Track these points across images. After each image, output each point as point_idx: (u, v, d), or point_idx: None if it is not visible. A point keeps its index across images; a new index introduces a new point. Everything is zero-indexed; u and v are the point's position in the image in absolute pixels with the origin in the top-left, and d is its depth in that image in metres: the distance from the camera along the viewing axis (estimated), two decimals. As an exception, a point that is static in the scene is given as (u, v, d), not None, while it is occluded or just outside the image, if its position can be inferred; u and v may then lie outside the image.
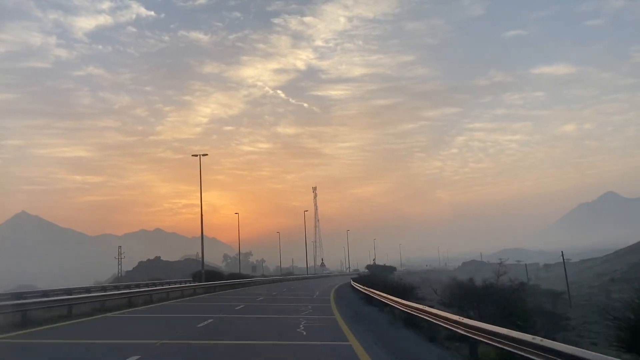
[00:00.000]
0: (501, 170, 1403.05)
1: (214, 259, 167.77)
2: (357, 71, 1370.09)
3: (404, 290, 26.23)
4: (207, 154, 50.03)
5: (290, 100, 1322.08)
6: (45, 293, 27.20)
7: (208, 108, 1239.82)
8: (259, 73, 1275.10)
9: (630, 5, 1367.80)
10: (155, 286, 36.87)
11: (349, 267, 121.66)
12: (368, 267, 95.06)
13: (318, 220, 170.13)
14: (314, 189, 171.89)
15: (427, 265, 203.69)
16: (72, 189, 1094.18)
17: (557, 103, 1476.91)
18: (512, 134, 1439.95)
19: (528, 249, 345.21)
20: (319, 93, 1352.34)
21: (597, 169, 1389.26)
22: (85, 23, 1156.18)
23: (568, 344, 8.10)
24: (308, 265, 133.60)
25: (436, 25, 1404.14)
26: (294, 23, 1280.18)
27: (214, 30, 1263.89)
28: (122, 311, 22.09)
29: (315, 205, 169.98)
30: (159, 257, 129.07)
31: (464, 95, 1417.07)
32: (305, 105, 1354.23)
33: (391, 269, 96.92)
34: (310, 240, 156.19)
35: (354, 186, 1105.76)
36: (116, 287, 38.20)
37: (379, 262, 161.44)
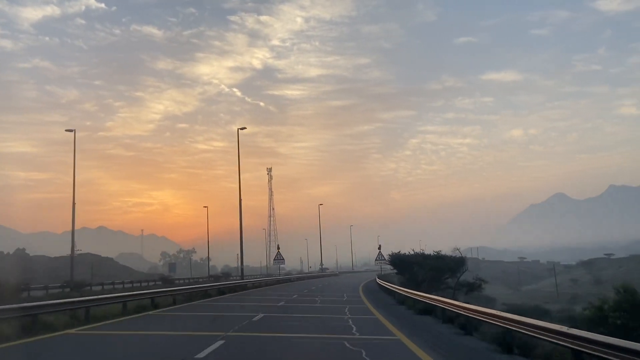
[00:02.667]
0: (452, 173, 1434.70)
1: (155, 258, 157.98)
2: (314, 72, 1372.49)
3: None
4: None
5: (247, 99, 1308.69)
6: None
7: (161, 105, 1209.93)
8: (214, 70, 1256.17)
9: (573, 17, 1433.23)
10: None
11: (322, 266, 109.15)
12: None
13: (273, 209, 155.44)
14: (269, 170, 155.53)
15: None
16: (14, 186, 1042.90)
17: (504, 108, 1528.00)
18: (463, 137, 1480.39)
19: (490, 247, 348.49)
20: (275, 92, 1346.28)
21: (543, 172, 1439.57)
22: (32, 13, 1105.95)
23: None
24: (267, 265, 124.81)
25: (391, 29, 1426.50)
26: (250, 21, 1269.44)
27: (167, 25, 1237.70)
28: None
29: (270, 189, 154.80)
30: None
31: (417, 98, 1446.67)
32: (262, 104, 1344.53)
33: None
34: (268, 231, 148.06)
35: (310, 186, 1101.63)
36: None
37: (331, 262, 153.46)
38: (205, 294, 30.75)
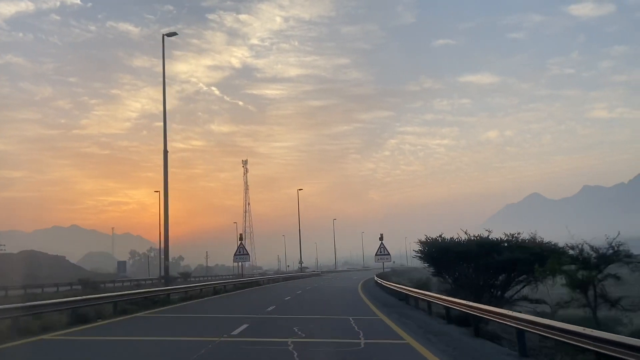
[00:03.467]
0: (430, 173, 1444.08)
1: (126, 257, 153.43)
2: (293, 71, 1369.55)
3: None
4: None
5: (225, 97, 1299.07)
6: None
7: (138, 103, 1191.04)
8: (192, 69, 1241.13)
9: (548, 21, 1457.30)
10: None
11: (302, 265, 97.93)
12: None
13: (249, 204, 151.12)
14: (244, 162, 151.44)
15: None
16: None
17: (481, 110, 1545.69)
18: (441, 138, 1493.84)
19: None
20: (255, 92, 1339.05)
21: (518, 173, 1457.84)
22: (5, 9, 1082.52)
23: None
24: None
25: (370, 30, 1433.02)
26: (229, 20, 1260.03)
27: (144, 22, 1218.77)
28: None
29: (245, 183, 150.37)
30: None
31: (396, 99, 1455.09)
32: (241, 103, 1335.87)
33: None
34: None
35: (289, 186, 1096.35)
36: None
37: (311, 261, 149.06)
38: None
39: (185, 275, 68.10)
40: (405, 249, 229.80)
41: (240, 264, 52.75)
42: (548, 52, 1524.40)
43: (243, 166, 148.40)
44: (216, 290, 34.10)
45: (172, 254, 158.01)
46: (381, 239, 44.88)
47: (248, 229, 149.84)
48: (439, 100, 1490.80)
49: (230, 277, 71.63)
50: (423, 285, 25.96)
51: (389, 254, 45.06)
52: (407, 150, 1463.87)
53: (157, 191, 66.05)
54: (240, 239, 49.43)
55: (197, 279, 63.16)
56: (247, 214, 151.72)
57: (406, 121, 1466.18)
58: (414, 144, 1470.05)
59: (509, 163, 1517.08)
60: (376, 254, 45.36)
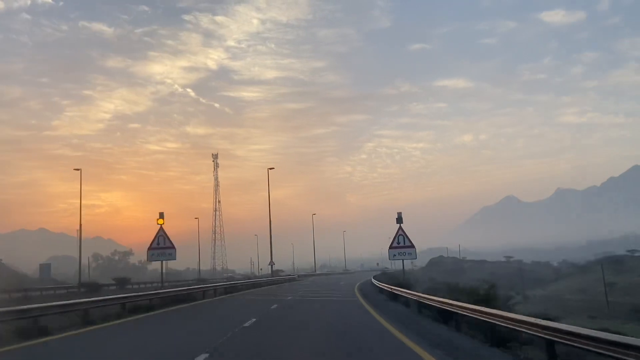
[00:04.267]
0: (407, 176, 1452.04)
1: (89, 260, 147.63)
2: (270, 74, 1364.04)
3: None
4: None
5: (201, 99, 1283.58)
6: None
7: (111, 104, 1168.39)
8: (167, 70, 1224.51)
9: (520, 27, 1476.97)
10: None
11: (273, 266, 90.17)
12: None
13: (219, 202, 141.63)
14: (215, 156, 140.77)
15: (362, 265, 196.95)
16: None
17: (456, 114, 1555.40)
18: (417, 142, 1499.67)
19: (448, 248, 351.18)
20: (231, 94, 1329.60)
21: (493, 176, 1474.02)
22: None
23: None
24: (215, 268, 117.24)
25: (347, 34, 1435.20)
26: (205, 21, 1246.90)
27: (118, 23, 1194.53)
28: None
29: (216, 179, 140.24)
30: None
31: (372, 103, 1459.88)
32: (217, 105, 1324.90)
33: None
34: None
35: (266, 189, 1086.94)
36: None
37: (287, 265, 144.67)
38: None
39: (123, 282, 54.24)
40: (381, 252, 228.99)
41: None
42: (520, 57, 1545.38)
43: (213, 160, 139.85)
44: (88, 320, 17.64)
45: (120, 249, 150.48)
46: (400, 220, 30.63)
47: (218, 229, 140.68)
48: (415, 104, 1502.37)
49: (186, 283, 56.39)
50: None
51: (412, 246, 30.29)
52: (383, 153, 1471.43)
53: (77, 169, 55.98)
54: (160, 218, 30.22)
55: (148, 286, 51.20)
56: (217, 212, 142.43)
57: (383, 124, 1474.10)
58: (391, 147, 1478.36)
59: (483, 166, 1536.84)
60: (392, 246, 30.55)
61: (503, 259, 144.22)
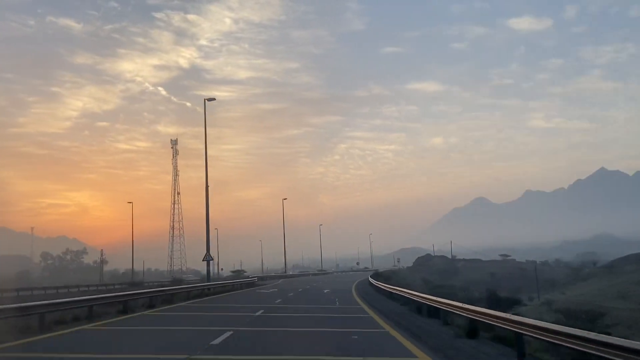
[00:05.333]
0: (379, 178, 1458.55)
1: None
2: (243, 74, 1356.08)
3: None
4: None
5: (172, 98, 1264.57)
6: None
7: (80, 101, 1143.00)
8: (138, 68, 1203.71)
9: (489, 33, 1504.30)
10: None
11: (209, 261, 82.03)
12: None
13: (178, 194, 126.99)
14: (174, 142, 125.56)
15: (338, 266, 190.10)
16: None
17: (427, 117, 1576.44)
18: (388, 143, 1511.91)
19: (423, 248, 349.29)
20: (203, 93, 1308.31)
21: (463, 178, 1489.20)
22: None
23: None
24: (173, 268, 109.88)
25: (320, 35, 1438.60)
26: (176, 19, 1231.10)
27: (87, 19, 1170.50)
28: None
29: (175, 167, 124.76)
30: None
31: (345, 104, 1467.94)
32: (188, 104, 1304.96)
33: None
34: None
35: (239, 189, 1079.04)
36: None
37: (255, 266, 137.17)
38: None
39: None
40: (358, 251, 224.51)
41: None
42: (489, 62, 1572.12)
43: (172, 147, 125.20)
44: None
45: (75, 248, 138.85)
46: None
47: (177, 223, 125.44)
48: (387, 106, 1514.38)
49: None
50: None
51: None
52: (356, 154, 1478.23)
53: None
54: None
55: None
56: (175, 205, 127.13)
57: (355, 126, 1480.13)
58: (363, 148, 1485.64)
59: (453, 169, 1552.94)
60: None
61: (499, 258, 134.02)
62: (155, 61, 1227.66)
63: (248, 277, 63.71)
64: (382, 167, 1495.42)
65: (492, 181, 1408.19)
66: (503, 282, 76.03)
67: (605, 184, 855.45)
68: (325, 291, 38.55)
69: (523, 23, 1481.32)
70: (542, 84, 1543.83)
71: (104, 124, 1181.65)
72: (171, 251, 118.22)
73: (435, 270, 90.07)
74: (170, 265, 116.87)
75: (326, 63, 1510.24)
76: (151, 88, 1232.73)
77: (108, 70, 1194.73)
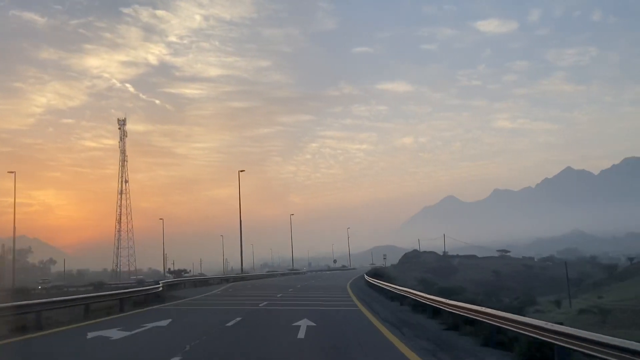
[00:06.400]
0: (350, 177, 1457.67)
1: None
2: (213, 71, 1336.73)
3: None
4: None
5: (141, 95, 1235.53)
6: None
7: (44, 97, 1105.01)
8: (104, 64, 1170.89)
9: (458, 34, 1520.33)
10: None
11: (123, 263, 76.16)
12: None
13: (126, 182, 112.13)
14: (122, 122, 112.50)
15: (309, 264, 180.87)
16: None
17: (397, 117, 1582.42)
18: (359, 143, 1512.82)
19: (398, 246, 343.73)
20: (173, 90, 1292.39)
21: (432, 177, 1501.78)
22: None
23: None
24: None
25: (292, 34, 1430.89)
26: (145, 15, 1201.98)
27: (51, 13, 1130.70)
28: None
29: (123, 151, 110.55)
30: None
31: (316, 103, 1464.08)
32: (157, 102, 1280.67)
33: None
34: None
35: (209, 188, 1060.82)
36: None
37: (216, 266, 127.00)
38: None
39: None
40: (333, 249, 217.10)
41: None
42: (458, 64, 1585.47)
43: (119, 128, 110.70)
44: None
45: (42, 257, 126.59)
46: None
47: (124, 217, 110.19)
48: (358, 106, 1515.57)
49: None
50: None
51: None
52: (327, 154, 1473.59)
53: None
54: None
55: None
56: (123, 195, 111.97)
57: (327, 125, 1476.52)
58: (334, 147, 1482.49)
59: (423, 168, 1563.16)
60: None
61: (496, 254, 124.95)
62: (122, 57, 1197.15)
63: (192, 276, 52.63)
64: (354, 167, 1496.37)
65: (461, 180, 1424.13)
66: (510, 282, 66.86)
67: (572, 183, 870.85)
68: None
69: (490, 25, 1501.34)
70: (508, 86, 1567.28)
71: (69, 120, 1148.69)
72: (117, 248, 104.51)
73: (429, 269, 78.93)
74: (117, 265, 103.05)
75: (298, 62, 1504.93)
76: (119, 85, 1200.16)
77: (73, 66, 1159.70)
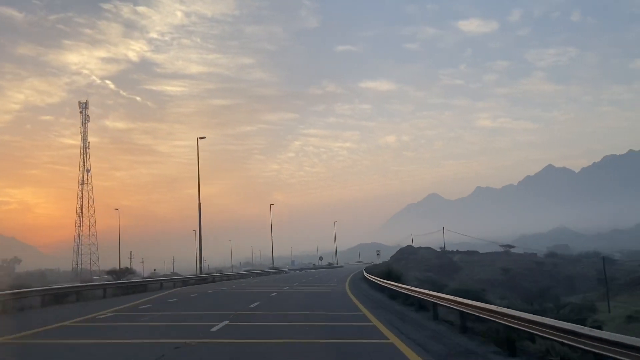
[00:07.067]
0: (333, 175, 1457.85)
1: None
2: (195, 68, 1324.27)
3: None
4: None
5: (121, 92, 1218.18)
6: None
7: (21, 94, 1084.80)
8: (84, 60, 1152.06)
9: (440, 34, 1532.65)
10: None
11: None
12: None
13: (88, 171, 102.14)
14: (83, 105, 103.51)
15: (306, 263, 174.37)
16: None
17: (380, 116, 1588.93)
18: (343, 141, 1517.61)
19: (383, 243, 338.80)
20: (154, 87, 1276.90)
21: (415, 176, 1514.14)
22: None
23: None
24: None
25: (274, 32, 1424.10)
26: (126, 11, 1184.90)
27: (29, 8, 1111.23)
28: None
29: (84, 138, 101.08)
30: None
31: (300, 102, 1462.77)
32: (138, 99, 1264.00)
33: None
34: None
35: (191, 186, 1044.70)
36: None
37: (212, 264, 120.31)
38: None
39: None
40: (317, 249, 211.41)
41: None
42: (440, 63, 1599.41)
43: (81, 112, 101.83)
44: None
45: (6, 255, 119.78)
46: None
47: (85, 210, 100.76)
48: (341, 104, 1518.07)
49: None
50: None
51: None
52: (311, 152, 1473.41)
53: None
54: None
55: None
56: (84, 186, 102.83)
57: (310, 124, 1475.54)
58: (318, 146, 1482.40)
59: (406, 166, 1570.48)
60: None
61: (500, 249, 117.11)
62: (102, 54, 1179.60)
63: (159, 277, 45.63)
64: (337, 165, 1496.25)
65: (444, 178, 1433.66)
66: (522, 281, 60.22)
67: (554, 180, 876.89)
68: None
69: (471, 25, 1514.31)
70: (489, 85, 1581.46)
71: (48, 117, 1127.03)
72: (78, 245, 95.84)
73: (430, 266, 72.04)
74: (77, 264, 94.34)
75: (280, 60, 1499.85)
76: (98, 81, 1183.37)
77: (52, 62, 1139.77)
